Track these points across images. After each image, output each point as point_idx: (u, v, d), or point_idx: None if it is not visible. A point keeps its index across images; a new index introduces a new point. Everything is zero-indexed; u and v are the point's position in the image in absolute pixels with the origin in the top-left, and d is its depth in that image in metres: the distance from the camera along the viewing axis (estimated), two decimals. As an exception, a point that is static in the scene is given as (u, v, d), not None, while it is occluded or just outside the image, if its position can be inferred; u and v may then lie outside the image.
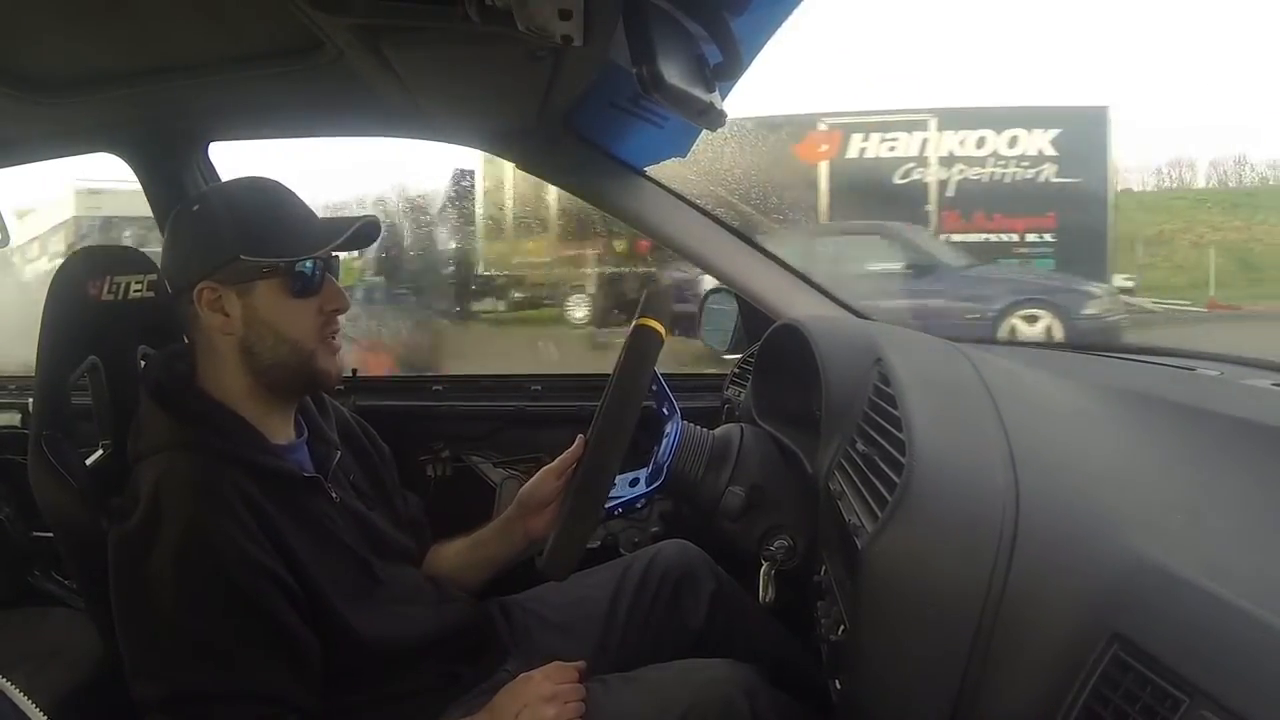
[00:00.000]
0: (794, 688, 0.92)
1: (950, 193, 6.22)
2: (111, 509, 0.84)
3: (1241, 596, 0.43)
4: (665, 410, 0.94)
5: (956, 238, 6.13)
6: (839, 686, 0.67)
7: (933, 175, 6.23)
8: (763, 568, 0.85)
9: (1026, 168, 6.07)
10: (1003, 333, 5.00)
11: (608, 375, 0.87)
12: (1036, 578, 0.52)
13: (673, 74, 0.70)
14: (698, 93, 0.74)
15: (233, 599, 0.77)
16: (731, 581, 1.08)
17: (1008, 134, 6.09)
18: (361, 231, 0.89)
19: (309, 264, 0.87)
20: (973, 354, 0.82)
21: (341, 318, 0.92)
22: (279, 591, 0.79)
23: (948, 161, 6.19)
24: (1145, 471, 0.63)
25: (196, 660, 0.76)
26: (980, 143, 6.13)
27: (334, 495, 0.91)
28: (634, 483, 0.93)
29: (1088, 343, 1.15)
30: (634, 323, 0.85)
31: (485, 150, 1.32)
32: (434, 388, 1.52)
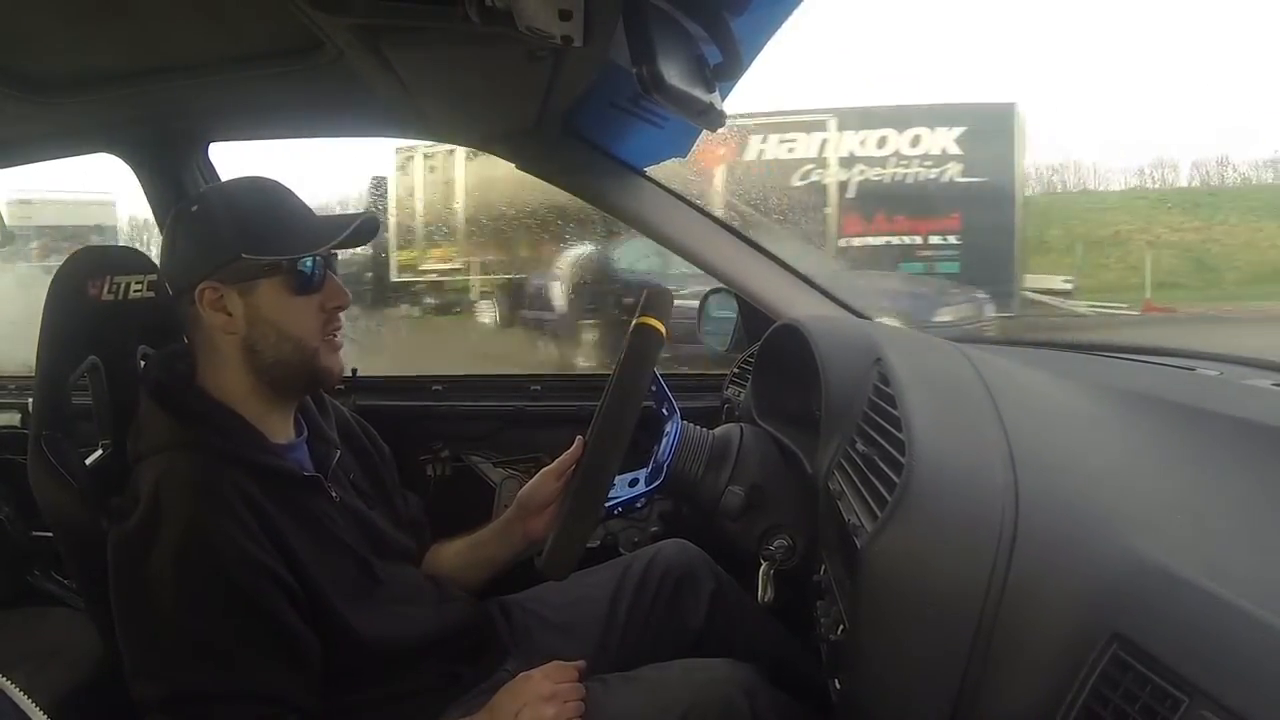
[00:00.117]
0: (794, 687, 0.92)
1: (850, 194, 6.03)
2: (111, 509, 0.84)
3: (1241, 596, 0.43)
4: (665, 410, 0.94)
5: (857, 241, 5.97)
6: (839, 686, 0.67)
7: (832, 177, 6.04)
8: (762, 567, 0.85)
9: (929, 167, 5.86)
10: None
11: (608, 375, 0.87)
12: (1036, 577, 0.52)
13: (673, 74, 0.70)
14: (698, 93, 0.74)
15: (233, 599, 0.77)
16: (731, 581, 1.08)
17: (910, 133, 5.89)
18: (361, 228, 0.89)
19: (310, 261, 0.87)
20: (973, 354, 0.82)
21: (342, 314, 0.92)
22: (279, 591, 0.79)
23: (848, 162, 6.00)
24: (1145, 471, 0.63)
25: (196, 660, 0.76)
26: (881, 142, 5.93)
27: (334, 494, 0.91)
28: (633, 483, 0.93)
29: (1088, 343, 1.15)
30: (634, 321, 0.85)
31: (485, 150, 1.32)
32: (434, 388, 1.52)
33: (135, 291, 0.99)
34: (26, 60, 0.99)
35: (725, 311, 1.38)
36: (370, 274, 5.77)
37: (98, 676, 1.12)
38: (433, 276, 6.31)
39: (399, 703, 0.88)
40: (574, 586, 1.03)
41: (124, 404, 0.94)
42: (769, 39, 0.89)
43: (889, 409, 0.67)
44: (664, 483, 0.89)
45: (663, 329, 0.84)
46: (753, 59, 0.91)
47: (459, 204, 6.02)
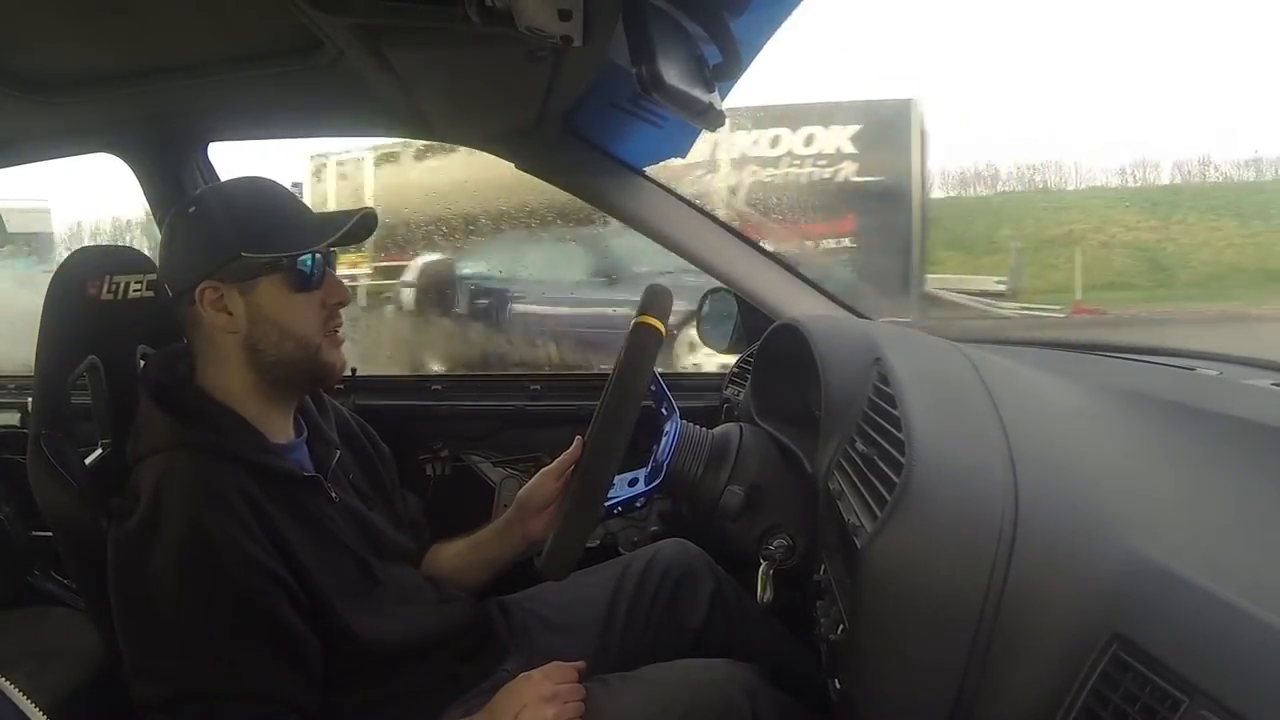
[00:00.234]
0: (793, 687, 0.92)
1: (740, 200, 5.74)
2: (111, 509, 0.84)
3: (1241, 597, 0.43)
4: (664, 410, 0.94)
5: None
6: (838, 686, 0.67)
7: (723, 179, 5.78)
8: (762, 567, 0.85)
9: (824, 167, 5.58)
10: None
11: (607, 375, 0.87)
12: (1036, 577, 0.52)
13: (672, 74, 0.70)
14: (697, 93, 0.74)
15: (233, 599, 0.77)
16: (731, 581, 1.08)
17: (804, 132, 5.62)
18: (360, 224, 0.89)
19: (309, 259, 0.87)
20: (973, 354, 0.82)
21: (343, 311, 0.92)
22: (279, 591, 0.79)
23: (739, 164, 5.75)
24: (1145, 471, 0.63)
25: (197, 660, 0.76)
26: (774, 142, 5.66)
27: (334, 495, 0.91)
28: (633, 483, 0.93)
29: (1088, 342, 1.15)
30: (634, 320, 0.85)
31: (485, 150, 1.32)
32: (433, 387, 1.52)
33: (135, 291, 0.99)
34: (26, 60, 0.99)
35: (725, 311, 1.38)
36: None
37: (98, 677, 1.12)
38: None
39: (399, 702, 0.88)
40: (573, 586, 1.03)
41: (124, 404, 0.94)
42: (769, 39, 0.89)
43: (889, 409, 0.67)
44: (663, 482, 0.89)
45: (662, 328, 0.84)
46: (752, 59, 0.91)
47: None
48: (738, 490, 0.86)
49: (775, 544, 0.85)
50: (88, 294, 0.94)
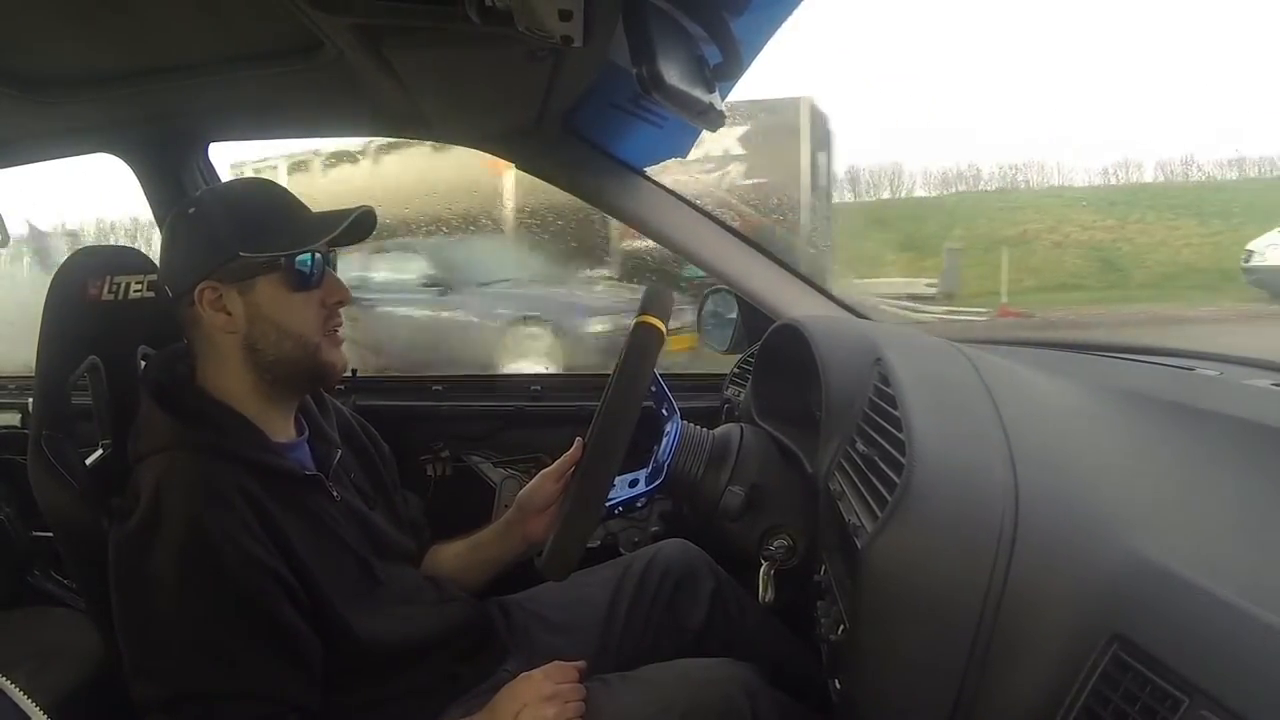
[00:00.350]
0: (794, 687, 0.92)
1: None
2: (112, 509, 0.84)
3: (1241, 597, 0.43)
4: (665, 410, 0.94)
5: (640, 245, 5.35)
6: (839, 686, 0.67)
7: None
8: (762, 567, 0.85)
9: (710, 170, 5.46)
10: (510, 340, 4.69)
11: (608, 375, 0.87)
12: (1036, 578, 0.52)
13: (673, 74, 0.70)
14: (697, 93, 0.74)
15: (234, 598, 0.77)
16: (731, 581, 1.08)
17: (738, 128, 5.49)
18: (358, 222, 0.89)
19: (308, 258, 0.87)
20: (973, 354, 0.82)
21: (342, 311, 0.92)
22: (280, 590, 0.79)
23: None
24: (1145, 471, 0.63)
25: (197, 660, 0.76)
26: (725, 155, 5.53)
27: (335, 494, 0.91)
28: (634, 483, 0.93)
29: (1088, 343, 1.15)
30: (635, 320, 0.84)
31: (485, 150, 1.32)
32: (434, 388, 1.52)
33: (135, 291, 0.99)
34: (26, 60, 0.99)
35: (725, 311, 1.38)
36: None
37: (98, 677, 1.12)
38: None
39: (399, 702, 0.88)
40: (574, 587, 1.03)
41: (124, 404, 0.94)
42: (769, 39, 0.89)
43: (889, 409, 0.67)
44: (664, 483, 0.89)
45: (663, 328, 0.84)
46: (752, 59, 0.91)
47: None
48: (738, 490, 0.85)
49: (776, 544, 0.85)
50: (88, 294, 0.94)
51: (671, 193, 1.29)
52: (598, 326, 4.50)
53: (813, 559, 0.82)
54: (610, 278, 5.18)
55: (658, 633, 1.04)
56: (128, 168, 1.31)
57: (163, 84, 1.06)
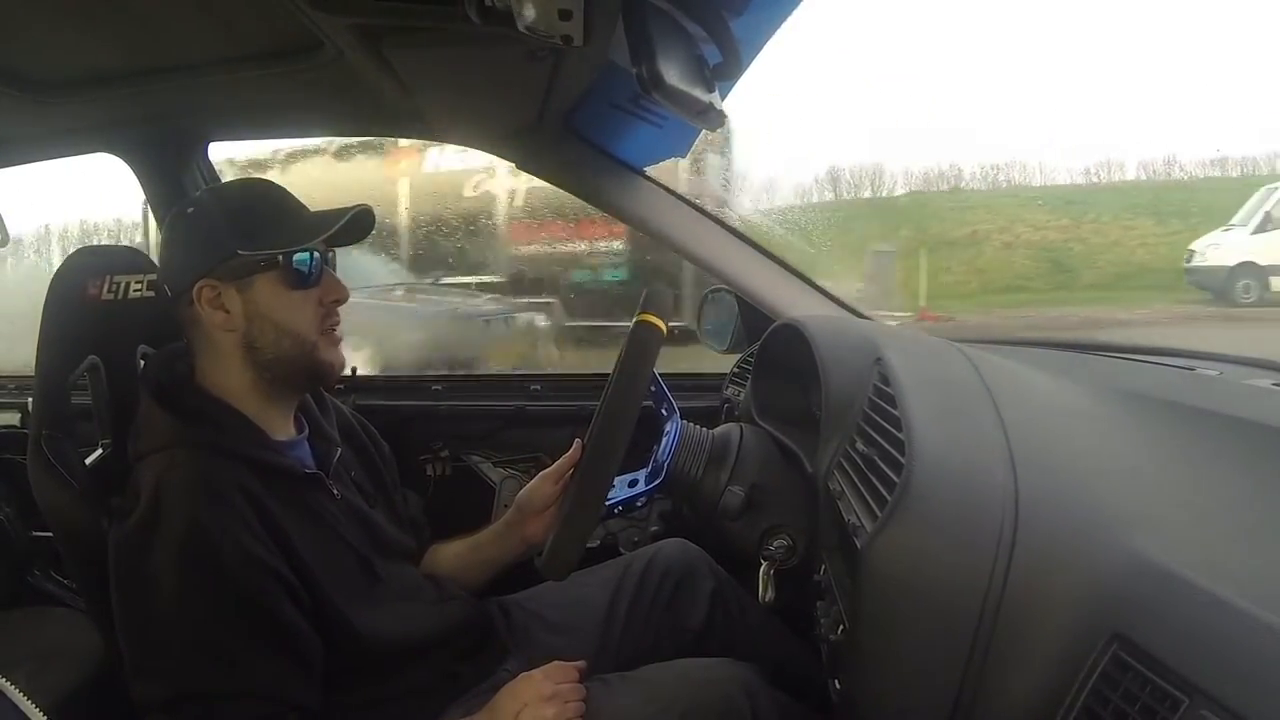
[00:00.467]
0: (794, 687, 0.92)
1: (519, 202, 5.67)
2: (112, 508, 0.84)
3: (1241, 596, 0.43)
4: (664, 410, 0.94)
5: (527, 250, 5.65)
6: (839, 686, 0.67)
7: (500, 185, 5.70)
8: (762, 567, 0.85)
9: None
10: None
11: (608, 374, 0.87)
12: (1036, 577, 0.52)
13: (672, 74, 0.70)
14: (697, 93, 0.74)
15: (234, 597, 0.77)
16: (731, 581, 1.08)
17: None
18: (355, 221, 0.89)
19: (306, 256, 0.87)
20: (973, 354, 0.82)
21: (341, 309, 0.92)
22: (281, 589, 0.79)
23: (516, 170, 5.72)
24: (1145, 471, 0.63)
25: (197, 659, 0.76)
26: None
27: (335, 492, 0.91)
28: (633, 483, 0.93)
29: (1088, 343, 1.15)
30: (635, 319, 0.84)
31: (485, 150, 1.32)
32: (434, 387, 1.52)
33: (135, 291, 0.99)
34: (26, 60, 0.99)
35: (725, 311, 1.38)
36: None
37: (98, 677, 1.12)
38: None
39: (399, 702, 0.88)
40: (574, 586, 1.03)
41: (124, 404, 0.94)
42: (769, 39, 0.89)
43: (889, 409, 0.67)
44: (664, 482, 0.89)
45: (663, 327, 0.84)
46: (752, 59, 0.91)
47: None
48: (738, 490, 0.85)
49: (776, 544, 0.85)
50: (88, 294, 0.94)
51: (672, 192, 1.29)
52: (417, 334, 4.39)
53: (813, 559, 0.82)
54: (495, 283, 5.26)
55: (658, 633, 1.04)
56: (127, 167, 1.31)
57: (163, 84, 1.06)
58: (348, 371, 1.32)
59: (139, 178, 1.31)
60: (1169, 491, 0.60)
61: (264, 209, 0.89)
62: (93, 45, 0.95)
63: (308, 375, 0.90)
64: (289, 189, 0.92)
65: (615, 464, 0.81)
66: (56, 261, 1.00)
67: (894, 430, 0.64)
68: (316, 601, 0.82)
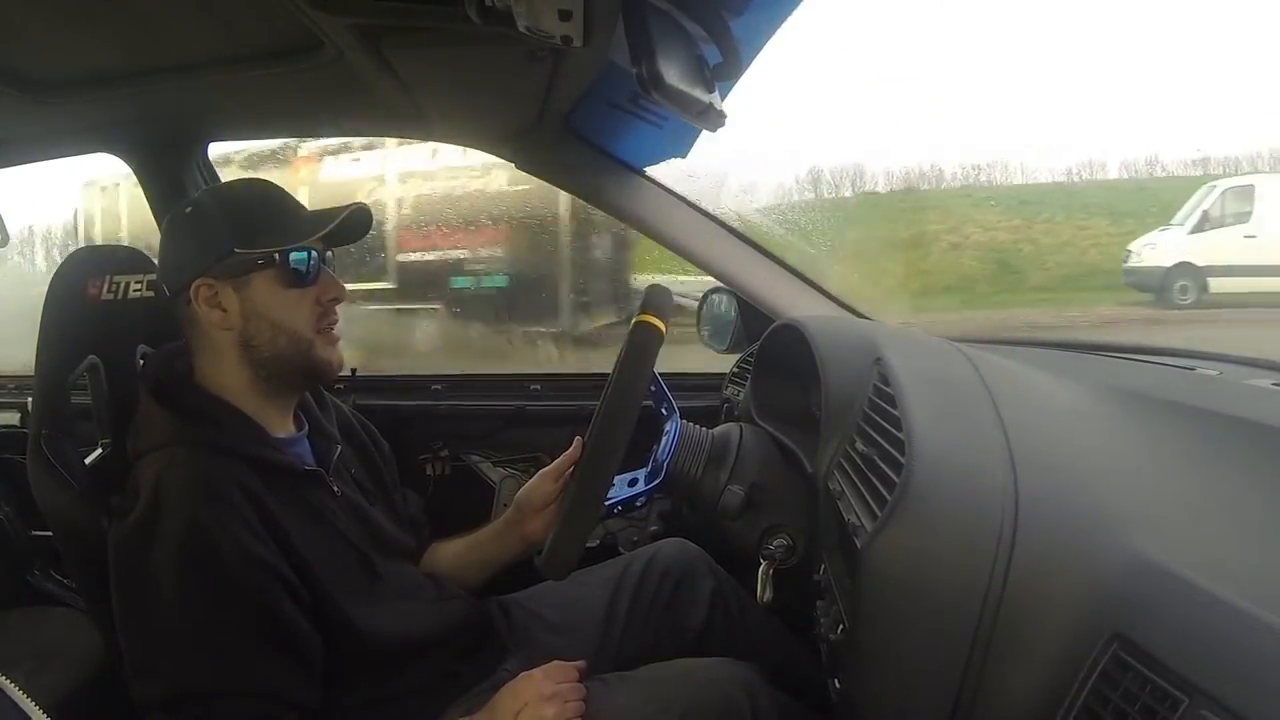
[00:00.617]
0: (793, 687, 0.92)
1: (407, 210, 5.67)
2: (112, 507, 0.84)
3: (1241, 596, 0.43)
4: (664, 409, 0.94)
5: (415, 257, 5.59)
6: (838, 686, 0.67)
7: (390, 193, 5.68)
8: (762, 567, 0.85)
9: (477, 177, 5.43)
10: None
11: (608, 374, 0.87)
12: (1036, 577, 0.52)
13: (672, 74, 0.70)
14: (697, 93, 0.74)
15: (234, 595, 0.77)
16: (731, 580, 1.08)
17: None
18: (352, 219, 0.89)
19: (303, 255, 0.87)
20: (973, 354, 0.82)
21: (339, 308, 0.92)
22: (280, 587, 0.79)
23: (405, 177, 5.64)
24: (1145, 471, 0.63)
25: (197, 657, 0.76)
26: (434, 154, 5.47)
27: (335, 489, 0.91)
28: (633, 483, 0.93)
29: (1088, 342, 1.15)
30: (634, 319, 0.84)
31: (485, 150, 1.32)
32: (433, 387, 1.52)
33: (135, 291, 0.99)
34: (26, 60, 0.99)
35: (725, 311, 1.38)
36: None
37: (98, 677, 1.12)
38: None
39: (399, 701, 0.88)
40: (573, 586, 1.03)
41: (124, 403, 0.94)
42: (769, 39, 0.89)
43: (889, 409, 0.67)
44: (663, 482, 0.89)
45: (663, 327, 0.84)
46: (752, 59, 0.91)
47: (124, 235, 5.98)
48: (738, 490, 0.86)
49: (775, 544, 0.85)
50: (88, 294, 0.94)
51: (671, 193, 1.29)
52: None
53: (812, 558, 0.82)
54: (384, 290, 5.29)
55: (657, 632, 1.04)
56: (127, 167, 1.31)
57: (163, 84, 1.06)
58: (347, 371, 1.33)
59: (139, 178, 1.32)
60: (1169, 491, 0.60)
61: (261, 208, 0.89)
62: (93, 45, 0.95)
63: (305, 374, 0.90)
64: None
65: (614, 464, 0.81)
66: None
67: (894, 430, 0.64)
68: (316, 599, 0.82)
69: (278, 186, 0.92)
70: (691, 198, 1.30)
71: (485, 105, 1.14)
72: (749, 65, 0.90)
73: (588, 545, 0.83)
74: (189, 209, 0.90)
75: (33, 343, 0.93)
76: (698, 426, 0.92)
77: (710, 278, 1.34)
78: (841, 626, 0.64)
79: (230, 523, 0.77)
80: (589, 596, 1.06)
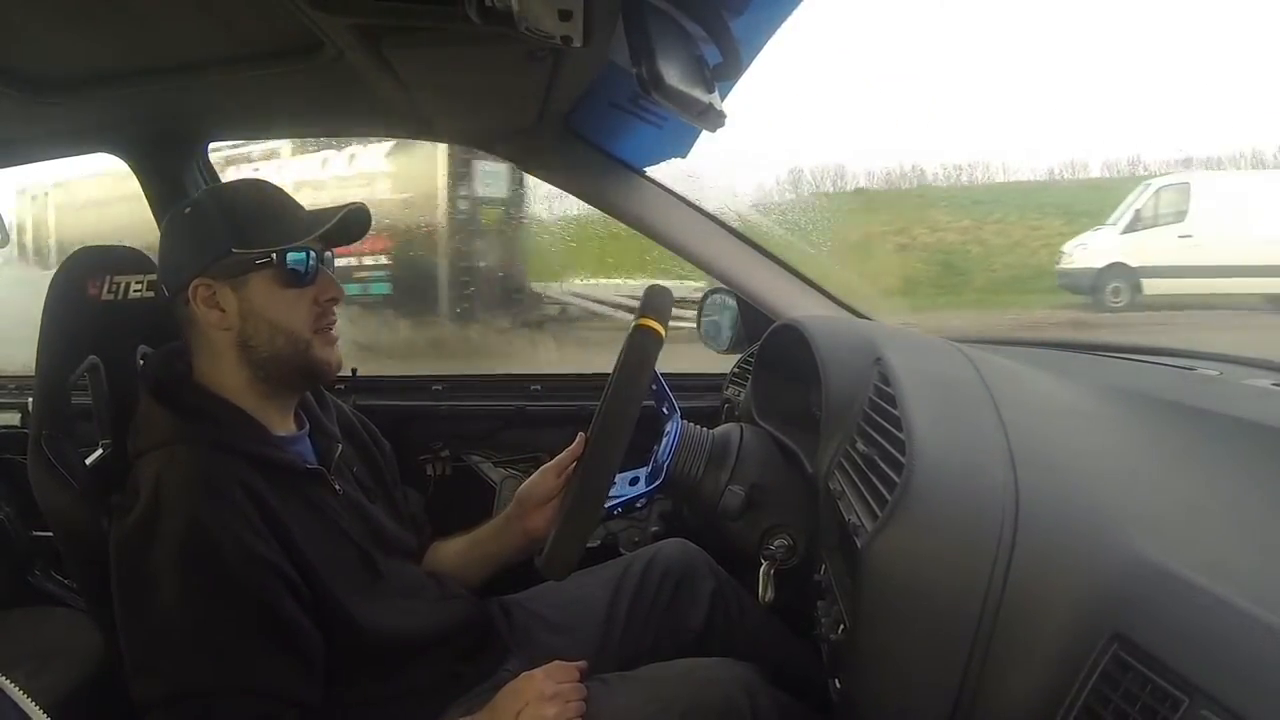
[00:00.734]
0: (794, 687, 0.92)
1: None
2: (112, 506, 0.84)
3: (1242, 596, 0.43)
4: (665, 409, 0.94)
5: None
6: (839, 686, 0.67)
7: None
8: (762, 567, 0.85)
9: (362, 186, 5.53)
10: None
11: (608, 375, 0.87)
12: (1036, 577, 0.52)
13: (672, 74, 0.70)
14: (697, 93, 0.74)
15: (234, 593, 0.77)
16: (731, 581, 1.08)
17: (348, 151, 5.61)
18: (350, 219, 0.89)
19: (301, 255, 0.87)
20: (973, 354, 0.82)
21: (338, 309, 0.92)
22: (281, 584, 0.79)
23: (299, 186, 5.57)
24: (1145, 471, 0.63)
25: (197, 656, 0.76)
26: (324, 164, 5.67)
27: (337, 487, 0.91)
28: (634, 481, 0.93)
29: (1088, 342, 1.15)
30: (634, 323, 0.84)
31: (485, 150, 1.32)
32: (434, 387, 1.52)
33: (135, 291, 0.99)
34: (26, 60, 0.99)
35: (725, 311, 1.38)
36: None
37: (98, 677, 1.12)
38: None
39: (400, 701, 0.88)
40: (574, 586, 1.03)
41: (124, 403, 0.94)
42: (769, 39, 0.89)
43: (889, 409, 0.67)
44: (664, 483, 0.89)
45: (662, 331, 0.84)
46: (752, 59, 0.91)
47: (52, 241, 6.15)
48: (738, 490, 0.86)
49: (776, 544, 0.85)
50: (88, 294, 0.94)
51: (671, 193, 1.29)
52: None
53: (813, 559, 0.82)
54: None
55: (658, 633, 1.04)
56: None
57: (163, 84, 1.06)
58: (347, 372, 1.33)
59: (139, 178, 1.31)
60: (1169, 492, 0.60)
61: (260, 209, 0.89)
62: (93, 45, 0.95)
63: (303, 374, 0.90)
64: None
65: (614, 468, 0.81)
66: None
67: (894, 430, 0.64)
68: (317, 596, 0.82)
69: (276, 186, 0.92)
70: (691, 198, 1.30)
71: (485, 105, 1.14)
72: (749, 65, 0.90)
73: (588, 546, 0.83)
74: (187, 209, 0.90)
75: (26, 344, 0.93)
76: (698, 427, 0.92)
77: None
78: (842, 627, 0.65)
79: (231, 520, 0.77)
80: (589, 597, 1.06)
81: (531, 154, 1.29)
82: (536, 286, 5.53)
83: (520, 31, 0.69)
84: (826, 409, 0.83)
